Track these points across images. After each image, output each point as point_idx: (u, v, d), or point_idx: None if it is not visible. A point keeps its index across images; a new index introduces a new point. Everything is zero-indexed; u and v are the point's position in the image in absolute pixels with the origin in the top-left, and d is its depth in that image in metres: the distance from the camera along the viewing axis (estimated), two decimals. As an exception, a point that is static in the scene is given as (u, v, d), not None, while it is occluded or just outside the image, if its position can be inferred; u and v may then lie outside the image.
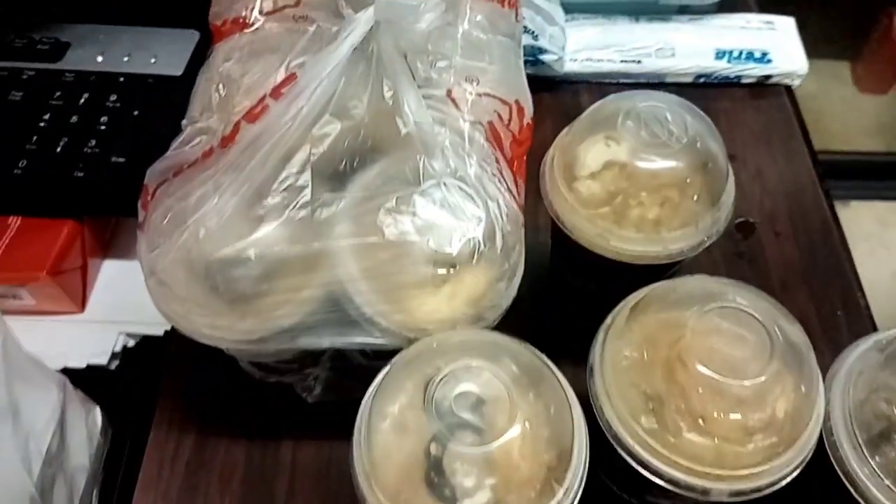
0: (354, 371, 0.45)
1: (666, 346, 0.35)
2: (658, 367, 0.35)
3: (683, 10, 0.66)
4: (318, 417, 0.47)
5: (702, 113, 0.41)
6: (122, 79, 0.55)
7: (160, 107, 0.54)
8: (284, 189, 0.36)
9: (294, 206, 0.35)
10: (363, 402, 0.34)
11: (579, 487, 0.32)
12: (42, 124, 0.52)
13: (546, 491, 0.32)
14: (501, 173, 0.38)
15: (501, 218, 0.36)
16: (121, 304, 0.52)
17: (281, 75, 0.38)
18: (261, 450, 0.47)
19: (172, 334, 0.51)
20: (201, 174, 0.37)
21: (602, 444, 0.35)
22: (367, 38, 0.36)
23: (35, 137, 0.52)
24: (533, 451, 0.33)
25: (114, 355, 0.50)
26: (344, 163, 0.37)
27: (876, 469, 0.32)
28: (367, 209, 0.35)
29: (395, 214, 0.35)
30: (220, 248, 0.35)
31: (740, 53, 0.62)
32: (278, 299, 0.37)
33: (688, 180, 0.40)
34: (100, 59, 0.57)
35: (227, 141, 0.37)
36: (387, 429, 0.35)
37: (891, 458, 0.32)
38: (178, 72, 0.56)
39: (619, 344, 0.36)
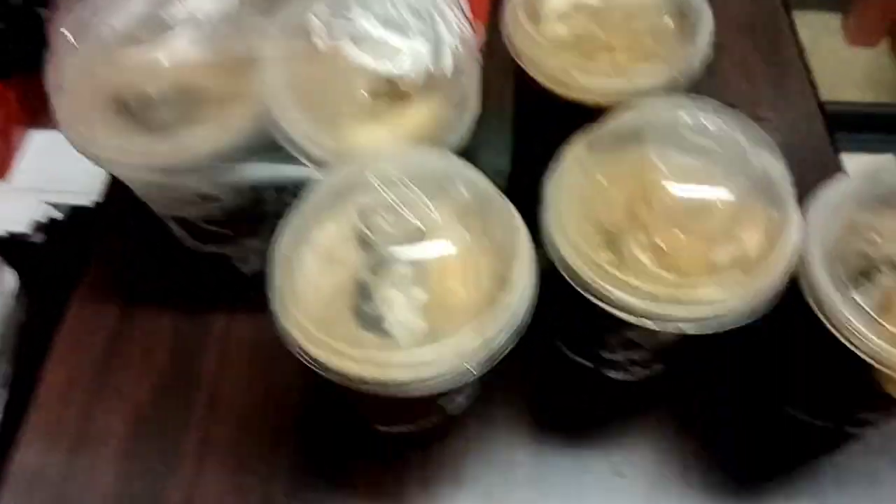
0: None
1: (627, 179, 0.32)
2: (618, 201, 0.32)
3: None
4: (255, 290, 0.44)
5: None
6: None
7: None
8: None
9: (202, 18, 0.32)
10: (282, 224, 0.30)
11: (524, 319, 0.29)
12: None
13: (486, 320, 0.28)
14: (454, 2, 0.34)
15: (452, 37, 0.33)
16: (49, 174, 0.48)
17: None
18: (190, 322, 0.43)
19: (103, 204, 0.47)
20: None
21: (557, 300, 0.32)
22: None
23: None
24: (474, 280, 0.30)
25: (38, 226, 0.46)
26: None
27: (860, 303, 0.29)
28: (298, 16, 0.32)
29: (331, 22, 0.31)
30: (130, 58, 0.31)
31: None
32: (197, 123, 0.33)
33: (663, 22, 0.37)
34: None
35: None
36: (312, 258, 0.31)
37: (872, 295, 0.29)
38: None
39: (575, 178, 0.32)
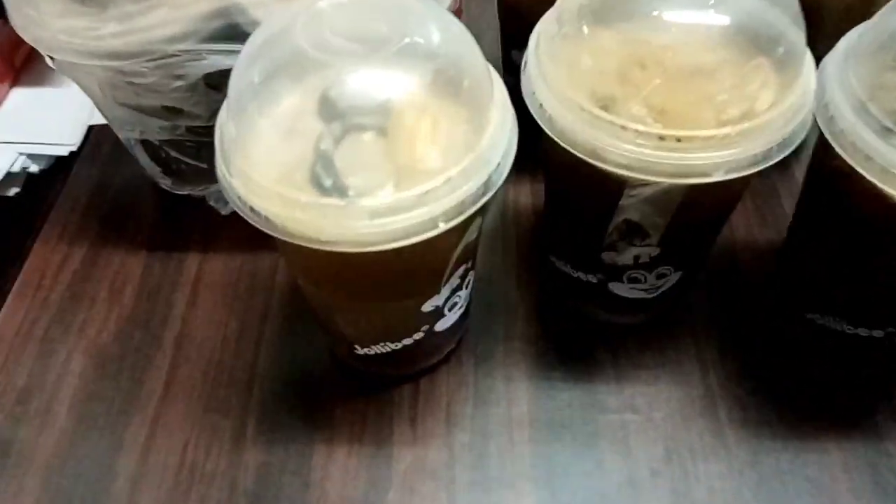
0: None
1: (616, 46, 0.28)
2: (609, 69, 0.28)
3: None
4: (231, 231, 0.41)
5: None
6: None
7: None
8: None
9: None
10: (233, 79, 0.27)
11: (498, 165, 0.25)
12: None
13: (442, 183, 0.24)
14: None
15: None
16: (25, 126, 0.46)
17: None
18: (162, 261, 0.40)
19: (79, 150, 0.45)
20: None
21: (551, 209, 0.28)
22: None
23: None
24: (446, 145, 0.26)
25: (11, 176, 0.44)
26: None
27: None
28: None
29: None
30: None
31: None
32: (153, 4, 0.31)
33: None
34: None
35: None
36: (269, 128, 0.28)
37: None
38: None
39: (556, 51, 0.29)
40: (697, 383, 0.35)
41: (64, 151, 0.45)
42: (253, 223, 0.25)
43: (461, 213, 0.24)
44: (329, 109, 0.27)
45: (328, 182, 0.26)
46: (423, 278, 0.28)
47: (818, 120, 0.27)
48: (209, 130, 0.37)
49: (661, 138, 0.25)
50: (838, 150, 0.26)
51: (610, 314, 0.35)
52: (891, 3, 0.28)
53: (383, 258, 0.25)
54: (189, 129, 0.37)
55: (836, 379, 0.34)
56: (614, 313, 0.35)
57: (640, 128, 0.25)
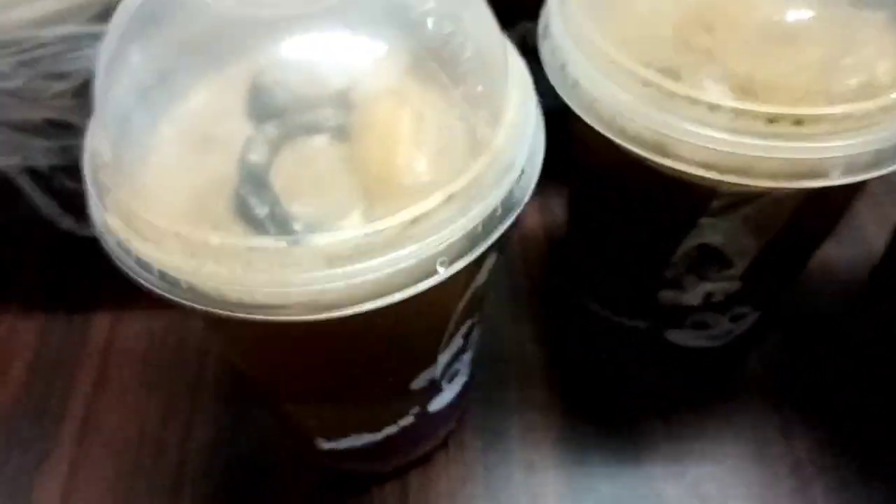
0: None
1: (675, 8, 0.20)
2: (663, 38, 0.20)
3: None
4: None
5: None
6: None
7: None
8: None
9: None
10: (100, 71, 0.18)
11: (495, 212, 0.16)
12: None
13: (458, 184, 0.16)
14: None
15: None
16: None
17: None
18: (62, 325, 0.30)
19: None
20: None
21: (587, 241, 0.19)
22: None
23: None
24: (437, 148, 0.17)
25: None
26: None
27: None
28: None
29: None
30: None
31: None
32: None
33: None
34: None
35: None
36: (172, 136, 0.19)
37: None
38: None
39: (591, 6, 0.20)
40: (781, 457, 0.26)
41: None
42: (142, 285, 0.16)
43: (471, 248, 0.15)
44: (261, 103, 0.18)
45: (262, 211, 0.17)
46: (412, 348, 0.19)
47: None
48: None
49: (772, 120, 0.16)
50: None
51: (663, 370, 0.26)
52: None
53: (352, 327, 0.16)
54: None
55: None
56: (669, 369, 0.26)
57: (739, 105, 0.16)
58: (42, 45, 0.23)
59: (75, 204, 0.30)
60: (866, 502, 0.25)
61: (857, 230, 0.31)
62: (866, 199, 0.32)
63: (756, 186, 0.17)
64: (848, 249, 0.30)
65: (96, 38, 0.23)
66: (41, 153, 0.28)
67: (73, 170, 0.29)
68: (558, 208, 0.32)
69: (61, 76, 0.24)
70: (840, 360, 0.28)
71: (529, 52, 0.22)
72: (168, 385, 0.28)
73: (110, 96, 0.17)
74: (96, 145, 0.18)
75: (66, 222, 0.32)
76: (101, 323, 0.30)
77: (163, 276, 0.16)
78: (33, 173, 0.30)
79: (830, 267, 0.29)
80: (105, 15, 0.23)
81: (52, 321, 0.31)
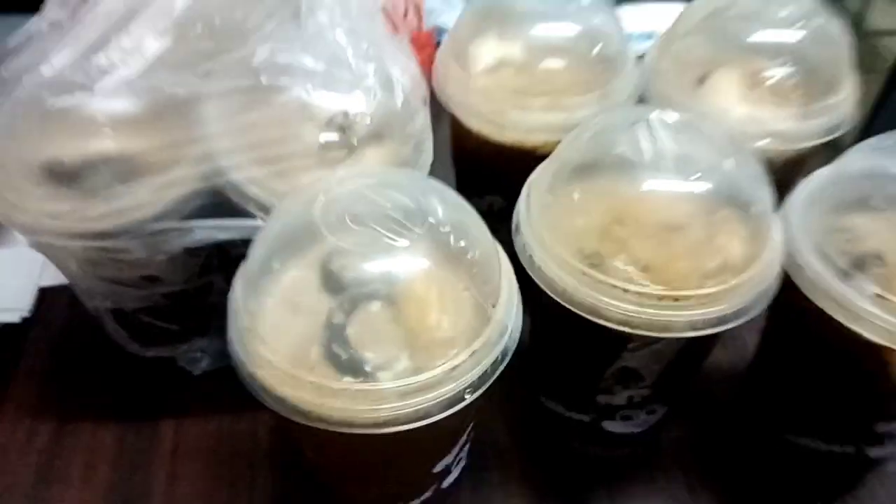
0: None
1: (596, 206, 0.31)
2: (593, 227, 0.30)
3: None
4: (205, 390, 0.40)
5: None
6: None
7: None
8: (130, 47, 0.30)
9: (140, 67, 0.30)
10: (239, 274, 0.28)
11: (498, 360, 0.26)
12: None
13: (467, 358, 0.25)
14: (400, 46, 0.34)
15: (404, 75, 0.32)
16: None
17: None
18: (135, 431, 0.38)
19: (31, 317, 0.43)
20: (40, 46, 0.31)
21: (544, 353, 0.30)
22: None
23: None
24: (455, 313, 0.27)
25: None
26: (209, 27, 0.32)
27: (863, 285, 0.27)
28: (240, 61, 0.31)
29: (275, 62, 0.30)
30: (44, 122, 0.29)
31: (644, 33, 0.63)
32: (139, 185, 0.31)
33: (592, 58, 0.37)
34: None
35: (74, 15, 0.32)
36: (275, 308, 0.28)
37: (869, 282, 0.28)
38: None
39: (543, 211, 0.31)
40: (689, 506, 0.36)
41: (15, 318, 0.43)
42: (281, 412, 0.25)
43: (485, 382, 0.25)
44: (333, 282, 0.28)
45: (344, 357, 0.26)
46: (439, 446, 0.29)
47: (786, 263, 0.30)
48: (183, 294, 0.37)
49: (660, 298, 0.27)
50: (802, 289, 0.29)
51: (603, 449, 0.36)
52: (850, 150, 0.32)
53: (404, 434, 0.25)
54: (164, 295, 0.37)
55: (812, 491, 0.36)
56: (607, 448, 0.36)
57: (641, 289, 0.27)
58: (157, 232, 0.32)
59: (142, 333, 0.39)
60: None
61: (738, 339, 0.42)
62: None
63: (654, 336, 0.27)
64: (731, 354, 0.41)
65: (187, 231, 0.32)
66: (130, 299, 0.36)
67: (148, 310, 0.37)
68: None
69: (162, 251, 0.33)
70: (727, 437, 0.38)
71: (494, 214, 0.32)
72: (228, 470, 0.36)
73: (254, 280, 0.27)
74: (239, 315, 0.27)
75: (133, 347, 0.40)
76: (167, 426, 0.39)
77: (295, 409, 0.25)
78: (115, 311, 0.38)
79: (719, 367, 0.40)
80: (196, 214, 0.32)
81: (127, 428, 0.38)
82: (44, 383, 0.40)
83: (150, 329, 0.39)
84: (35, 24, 0.33)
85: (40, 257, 0.38)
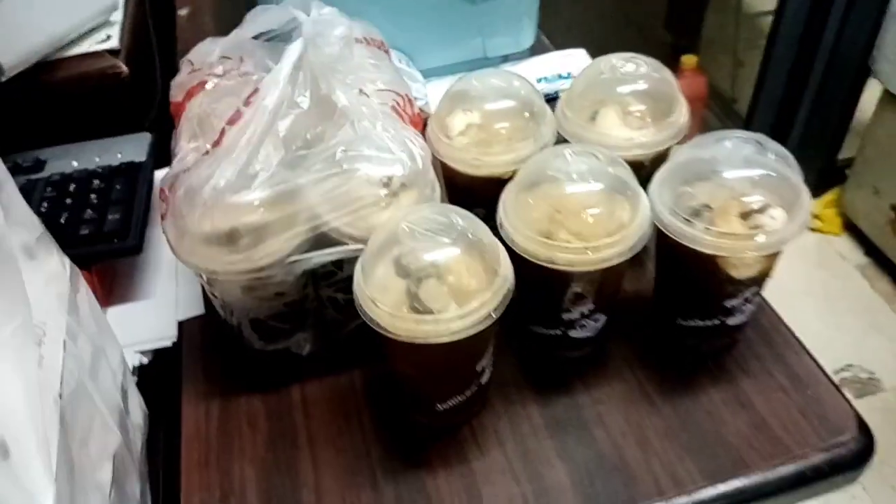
0: (329, 327, 0.60)
1: (543, 202, 0.53)
2: (543, 215, 0.53)
3: (507, 59, 0.90)
4: (313, 364, 0.61)
5: (517, 73, 0.62)
6: (99, 170, 0.70)
7: (135, 181, 0.69)
8: (263, 160, 0.52)
9: (272, 171, 0.52)
10: (357, 267, 0.49)
11: (506, 296, 0.48)
12: (43, 210, 0.66)
13: (489, 295, 0.48)
14: (410, 129, 0.56)
15: (418, 147, 0.54)
16: (129, 333, 0.64)
17: (248, 92, 0.55)
18: (275, 396, 0.59)
19: (181, 339, 0.64)
20: (202, 167, 0.53)
21: (524, 298, 0.52)
22: (301, 57, 0.54)
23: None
24: (476, 277, 0.49)
25: (133, 370, 0.61)
26: (302, 140, 0.54)
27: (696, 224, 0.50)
28: (326, 157, 0.52)
29: (347, 154, 0.52)
30: (225, 210, 0.50)
31: (553, 76, 0.86)
32: (275, 240, 0.52)
33: (524, 119, 0.60)
34: (75, 163, 0.72)
35: (216, 143, 0.54)
36: (374, 288, 0.49)
37: (702, 221, 0.51)
38: (142, 158, 0.72)
39: (513, 209, 0.53)
40: (629, 378, 0.58)
41: (168, 343, 0.63)
42: (390, 336, 0.46)
43: (501, 308, 0.47)
44: (402, 269, 0.50)
45: (421, 307, 0.48)
46: (479, 349, 0.51)
47: (654, 220, 0.52)
48: (295, 302, 0.58)
49: (585, 249, 0.49)
50: (666, 232, 0.52)
51: (571, 352, 0.58)
52: (677, 151, 0.55)
53: (458, 343, 0.47)
54: (285, 304, 0.58)
55: (700, 355, 0.59)
56: (573, 350, 0.58)
57: (574, 245, 0.49)
58: (288, 264, 0.52)
59: (265, 331, 0.60)
60: (669, 384, 0.57)
61: (645, 268, 0.65)
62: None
63: (590, 269, 0.49)
64: (641, 280, 0.64)
65: (308, 260, 0.53)
66: (266, 309, 0.57)
67: (274, 316, 0.58)
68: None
69: (292, 274, 0.54)
70: (644, 329, 0.61)
71: (481, 220, 0.54)
72: (340, 408, 0.57)
73: (369, 274, 0.48)
74: (361, 288, 0.48)
75: (259, 344, 0.61)
76: (294, 390, 0.59)
77: (386, 330, 0.46)
78: (252, 320, 0.59)
79: (634, 289, 0.63)
80: (311, 248, 0.53)
81: (270, 395, 0.59)
82: (204, 377, 0.61)
83: (272, 330, 0.60)
84: (187, 154, 0.54)
85: (174, 301, 0.60)
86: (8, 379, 0.32)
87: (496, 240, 0.51)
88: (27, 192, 0.69)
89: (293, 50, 0.54)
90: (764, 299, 0.61)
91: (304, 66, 0.54)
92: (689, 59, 1.91)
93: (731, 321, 0.57)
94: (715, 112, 2.07)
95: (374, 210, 0.53)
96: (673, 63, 2.01)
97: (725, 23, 1.98)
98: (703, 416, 0.56)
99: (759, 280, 0.54)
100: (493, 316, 0.47)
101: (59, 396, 0.37)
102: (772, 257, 0.52)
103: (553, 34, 0.98)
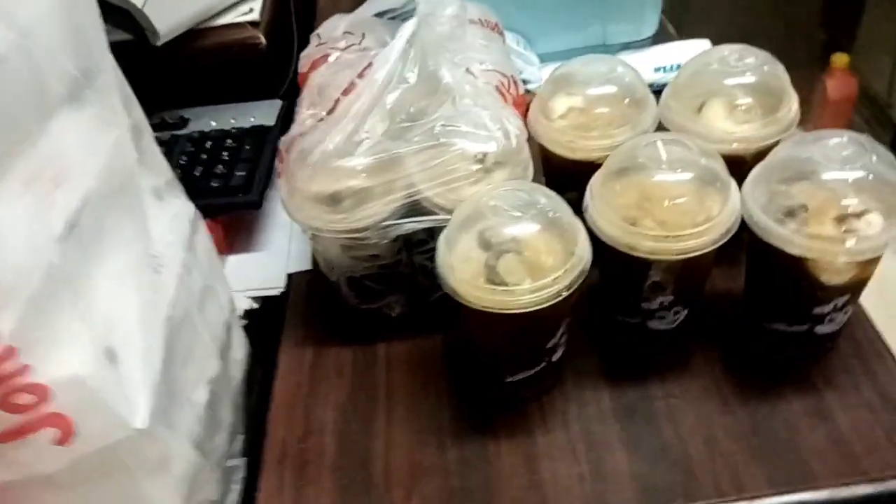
0: (419, 292, 0.63)
1: (632, 190, 0.54)
2: (630, 203, 0.53)
3: (627, 46, 0.89)
4: (400, 325, 0.65)
5: (623, 60, 0.62)
6: (233, 130, 0.77)
7: (263, 143, 0.75)
8: (369, 130, 0.56)
9: (375, 140, 0.55)
10: (441, 237, 0.52)
11: (579, 275, 0.50)
12: (182, 162, 0.74)
13: (563, 273, 0.49)
14: (510, 109, 0.59)
15: (514, 127, 0.56)
16: (244, 279, 0.71)
17: (363, 65, 0.59)
18: (363, 350, 0.64)
19: (286, 291, 0.70)
20: (315, 132, 0.57)
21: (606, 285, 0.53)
22: (413, 35, 0.58)
23: (178, 172, 0.73)
24: (552, 255, 0.51)
25: (244, 314, 0.68)
26: (406, 113, 0.57)
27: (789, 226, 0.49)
28: (426, 130, 0.55)
29: (446, 128, 0.55)
30: (331, 173, 0.55)
31: (671, 66, 0.84)
32: (373, 204, 0.56)
33: (625, 106, 0.61)
34: (213, 123, 0.80)
35: (330, 111, 0.58)
36: (456, 260, 0.52)
37: (796, 223, 0.49)
38: (271, 122, 0.79)
39: (601, 196, 0.54)
40: (706, 376, 0.58)
41: (276, 292, 0.69)
42: (469, 305, 0.49)
43: (572, 287, 0.49)
44: (484, 241, 0.52)
45: (497, 280, 0.50)
46: (552, 325, 0.52)
47: (745, 218, 0.52)
48: (388, 265, 0.62)
49: (666, 237, 0.50)
50: (756, 233, 0.51)
51: (650, 342, 0.59)
52: (774, 149, 0.54)
53: (532, 314, 0.49)
54: (380, 266, 0.62)
55: (785, 361, 0.58)
56: (653, 341, 0.59)
57: (655, 233, 0.50)
58: (384, 227, 0.56)
59: (361, 291, 0.64)
60: (751, 386, 0.56)
61: (735, 266, 0.63)
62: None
63: (669, 259, 0.50)
64: (732, 278, 0.63)
65: (401, 225, 0.57)
66: (362, 270, 0.61)
67: (369, 276, 0.63)
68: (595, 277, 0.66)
69: (386, 238, 0.58)
70: (729, 326, 0.60)
71: (573, 203, 0.55)
72: (421, 367, 0.61)
73: (450, 245, 0.51)
74: (444, 257, 0.51)
75: (355, 301, 0.65)
76: (381, 347, 0.63)
77: (464, 299, 0.49)
78: (349, 279, 0.63)
79: (724, 286, 0.62)
80: (405, 215, 0.57)
81: (358, 347, 0.64)
82: (303, 326, 0.66)
83: (368, 290, 0.64)
84: (305, 120, 0.59)
85: (286, 254, 0.65)
86: (125, 295, 0.38)
87: (577, 220, 0.52)
88: (171, 145, 0.77)
89: (407, 28, 0.58)
90: (862, 309, 0.58)
91: (415, 43, 0.58)
92: (839, 58, 1.79)
93: (820, 329, 0.55)
94: (864, 116, 1.93)
95: (465, 184, 0.56)
96: (823, 62, 1.89)
97: (888, 20, 1.84)
98: (778, 423, 0.54)
99: (852, 288, 0.52)
100: (564, 293, 0.49)
101: (167, 319, 0.42)
102: (867, 264, 0.50)
103: (689, 25, 0.96)
